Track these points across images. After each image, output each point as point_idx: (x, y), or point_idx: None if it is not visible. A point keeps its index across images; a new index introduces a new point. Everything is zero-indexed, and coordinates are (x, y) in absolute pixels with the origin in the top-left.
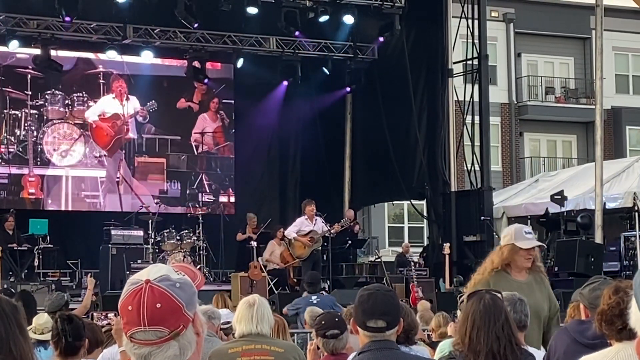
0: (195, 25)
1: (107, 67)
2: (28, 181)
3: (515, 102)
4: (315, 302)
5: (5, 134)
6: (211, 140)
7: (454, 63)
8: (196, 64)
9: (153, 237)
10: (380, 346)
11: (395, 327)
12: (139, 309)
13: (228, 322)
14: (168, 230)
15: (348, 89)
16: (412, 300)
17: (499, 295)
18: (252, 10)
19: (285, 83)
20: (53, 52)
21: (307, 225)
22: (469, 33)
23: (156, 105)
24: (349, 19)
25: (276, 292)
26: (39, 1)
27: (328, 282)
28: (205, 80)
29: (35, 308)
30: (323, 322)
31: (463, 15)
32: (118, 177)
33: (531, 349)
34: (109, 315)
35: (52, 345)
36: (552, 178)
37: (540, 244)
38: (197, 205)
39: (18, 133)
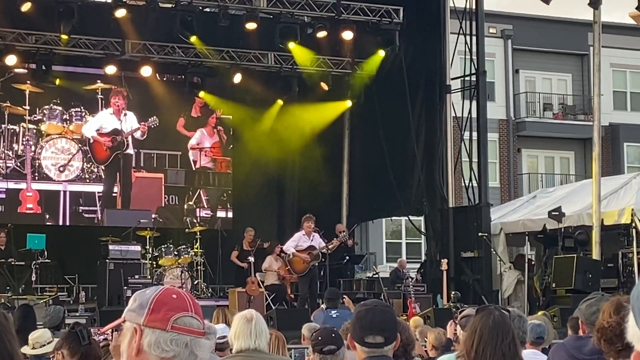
0: (193, 38)
1: (106, 82)
2: (26, 196)
3: (513, 119)
4: (334, 316)
5: (3, 149)
6: (209, 156)
7: (452, 79)
8: (195, 79)
9: (151, 252)
10: None
11: (392, 343)
12: (185, 297)
13: (224, 337)
14: (166, 246)
15: (348, 104)
16: (409, 316)
17: (507, 312)
18: (251, 25)
19: (283, 98)
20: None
21: (304, 240)
22: (467, 49)
23: (157, 121)
24: (347, 35)
25: (274, 307)
26: (38, 16)
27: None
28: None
29: (35, 323)
30: (320, 338)
31: (461, 32)
32: (115, 192)
33: None
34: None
35: (68, 353)
36: (550, 194)
37: None
38: (195, 221)
39: (16, 148)
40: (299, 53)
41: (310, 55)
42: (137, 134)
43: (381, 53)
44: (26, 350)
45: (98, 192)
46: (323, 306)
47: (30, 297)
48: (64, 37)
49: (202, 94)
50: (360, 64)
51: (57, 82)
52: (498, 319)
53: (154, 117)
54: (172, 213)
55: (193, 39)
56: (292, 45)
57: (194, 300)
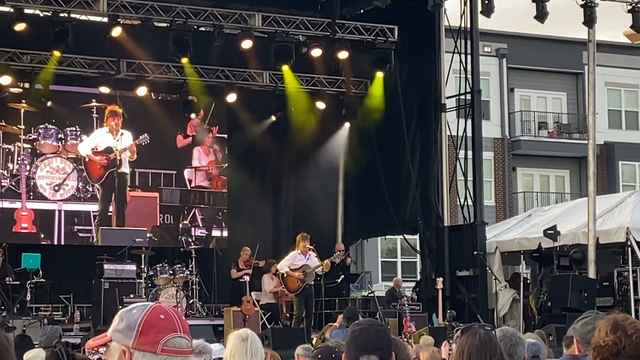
0: (184, 60)
1: (101, 101)
2: (21, 215)
3: (508, 137)
4: None
5: None
6: (204, 175)
7: (447, 98)
8: (190, 97)
9: (146, 271)
10: None
11: None
12: (172, 316)
13: (220, 359)
14: (161, 265)
15: (346, 124)
16: (410, 334)
17: (492, 330)
18: (247, 44)
19: (278, 117)
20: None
21: (300, 259)
22: (462, 68)
23: (148, 138)
24: (342, 54)
25: (269, 326)
26: (32, 36)
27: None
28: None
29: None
30: (320, 357)
31: (456, 51)
32: (111, 212)
33: None
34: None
35: None
36: (545, 213)
37: None
38: (190, 240)
39: (11, 167)
40: (290, 79)
41: (299, 83)
42: (128, 154)
43: (379, 75)
44: None
45: (93, 212)
46: (336, 324)
47: (24, 318)
48: (57, 53)
49: (193, 116)
50: (358, 85)
51: (50, 103)
52: (484, 337)
53: (145, 134)
54: (167, 232)
55: (184, 60)
56: (285, 68)
57: (182, 319)
